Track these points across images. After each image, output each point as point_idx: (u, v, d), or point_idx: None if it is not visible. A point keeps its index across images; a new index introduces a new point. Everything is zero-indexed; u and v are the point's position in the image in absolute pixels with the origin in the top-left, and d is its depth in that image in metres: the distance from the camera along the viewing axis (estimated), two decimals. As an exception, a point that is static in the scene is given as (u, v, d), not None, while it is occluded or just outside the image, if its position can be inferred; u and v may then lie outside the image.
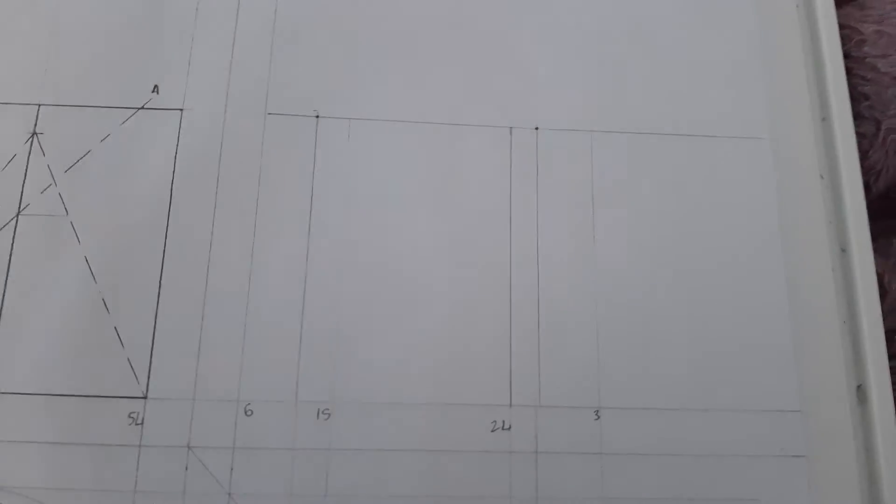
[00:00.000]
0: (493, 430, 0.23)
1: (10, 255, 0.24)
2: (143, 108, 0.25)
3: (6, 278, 0.24)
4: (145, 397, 0.23)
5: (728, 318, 0.25)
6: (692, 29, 0.27)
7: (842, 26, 0.26)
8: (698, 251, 0.25)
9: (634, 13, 0.27)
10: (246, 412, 0.23)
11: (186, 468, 0.22)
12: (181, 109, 0.26)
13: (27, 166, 0.25)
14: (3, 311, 0.23)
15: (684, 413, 0.24)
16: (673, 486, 0.23)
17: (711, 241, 0.25)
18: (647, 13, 0.27)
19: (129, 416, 0.23)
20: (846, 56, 0.26)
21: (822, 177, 0.26)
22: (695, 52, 0.27)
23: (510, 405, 0.23)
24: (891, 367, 0.25)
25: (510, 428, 0.23)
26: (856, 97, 0.26)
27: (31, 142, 0.25)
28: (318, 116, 0.26)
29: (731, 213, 0.26)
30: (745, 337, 0.24)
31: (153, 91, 0.26)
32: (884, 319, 0.25)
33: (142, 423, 0.23)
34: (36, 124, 0.25)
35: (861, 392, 0.24)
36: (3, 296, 0.23)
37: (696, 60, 0.27)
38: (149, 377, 0.23)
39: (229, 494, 0.22)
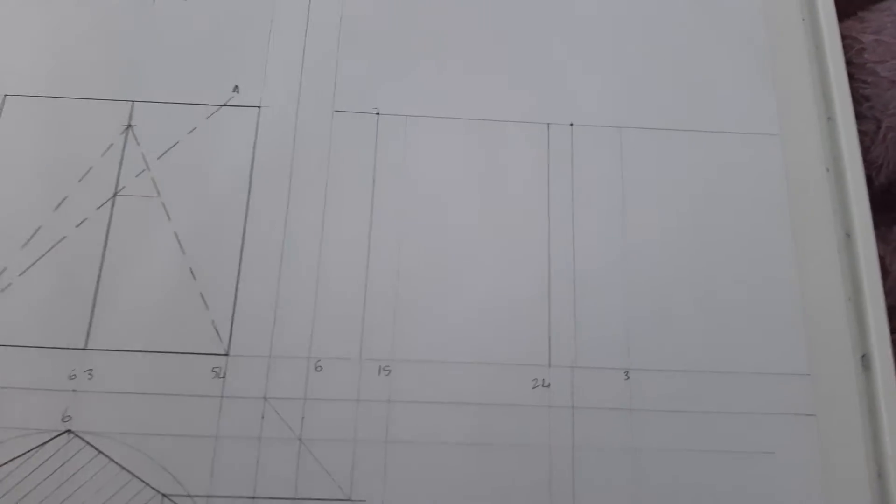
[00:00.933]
0: (533, 388, 0.26)
1: (108, 230, 0.27)
2: (225, 105, 0.29)
3: (104, 251, 0.27)
4: (227, 354, 0.26)
5: (744, 295, 0.27)
6: (711, 42, 0.31)
7: (844, 36, 0.29)
8: (716, 235, 0.28)
9: (656, 26, 0.31)
10: (316, 368, 0.26)
11: (262, 417, 0.25)
12: (258, 107, 0.29)
13: (123, 154, 0.28)
14: (102, 279, 0.27)
15: (706, 374, 0.26)
16: (695, 439, 0.26)
17: (728, 227, 0.28)
18: (668, 28, 0.31)
19: (213, 371, 0.26)
20: (848, 63, 0.29)
21: (827, 169, 0.29)
22: (713, 60, 0.30)
23: (549, 365, 0.26)
24: (892, 340, 0.27)
25: (549, 385, 0.26)
26: (857, 99, 0.29)
27: (127, 133, 0.28)
28: (378, 114, 0.29)
29: (746, 201, 0.29)
30: (760, 312, 0.27)
31: (234, 90, 0.29)
32: (885, 297, 0.27)
33: (224, 377, 0.26)
34: (131, 117, 0.29)
35: (865, 360, 0.27)
36: (102, 266, 0.27)
37: (715, 67, 0.30)
38: (230, 336, 0.26)
39: (300, 440, 0.25)
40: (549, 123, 0.29)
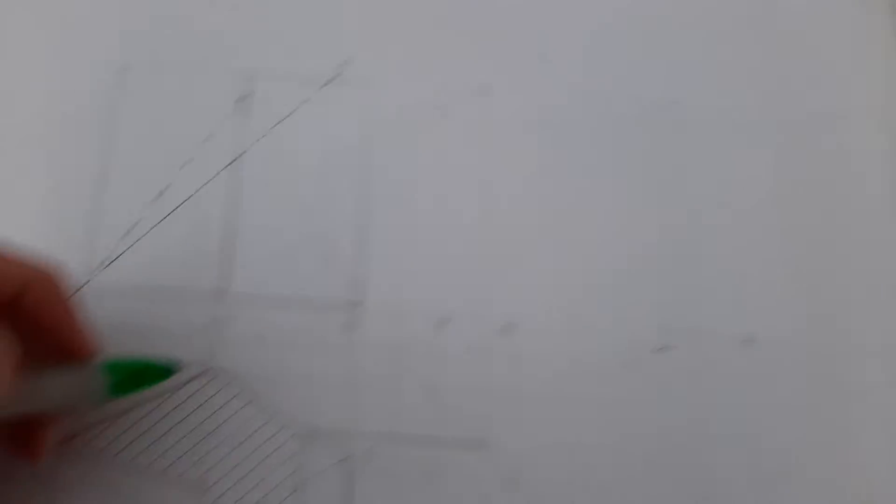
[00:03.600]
0: (652, 351, 0.28)
1: (232, 190, 0.28)
2: (336, 76, 0.31)
3: (236, 207, 0.28)
4: (359, 305, 0.27)
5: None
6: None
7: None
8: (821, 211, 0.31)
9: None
10: (445, 321, 0.27)
11: (396, 363, 0.27)
12: (368, 79, 0.31)
13: (243, 119, 0.30)
14: (235, 235, 0.28)
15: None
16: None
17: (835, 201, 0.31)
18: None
19: (345, 320, 0.27)
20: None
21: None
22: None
23: (662, 329, 0.28)
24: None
25: (671, 349, 0.28)
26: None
27: (249, 98, 0.30)
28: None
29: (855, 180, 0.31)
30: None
31: (344, 63, 0.31)
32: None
33: (355, 326, 0.27)
34: (250, 85, 0.30)
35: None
36: (235, 216, 0.28)
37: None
38: (362, 288, 0.27)
39: (432, 386, 0.26)
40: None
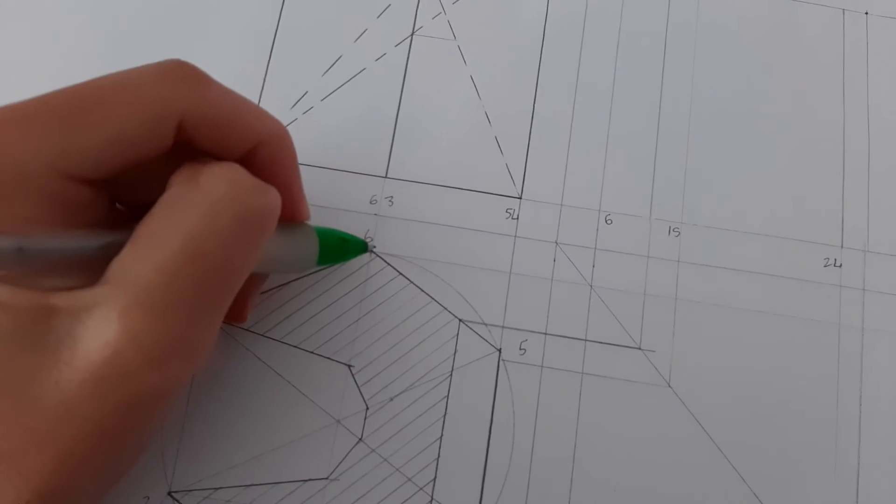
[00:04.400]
0: (825, 266, 0.26)
1: (406, 67, 0.28)
2: (520, -43, 0.29)
3: (403, 86, 0.27)
4: (520, 197, 0.26)
5: None
6: None
7: None
8: None
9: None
10: (606, 221, 0.26)
11: (554, 260, 0.26)
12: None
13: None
14: (401, 113, 0.27)
15: None
16: None
17: None
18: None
19: (507, 212, 0.26)
20: None
21: None
22: None
23: (841, 246, 0.26)
24: None
25: (841, 266, 0.26)
26: None
27: (423, -24, 0.29)
28: (670, -19, 0.29)
29: None
30: None
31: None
32: None
33: (517, 219, 0.26)
34: (427, -38, 0.29)
35: None
36: (400, 101, 0.27)
37: None
38: (524, 181, 0.26)
39: (591, 286, 0.26)
40: (844, 9, 0.29)
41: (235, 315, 0.22)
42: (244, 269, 0.18)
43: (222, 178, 0.17)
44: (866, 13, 0.29)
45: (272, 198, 0.18)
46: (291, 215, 0.21)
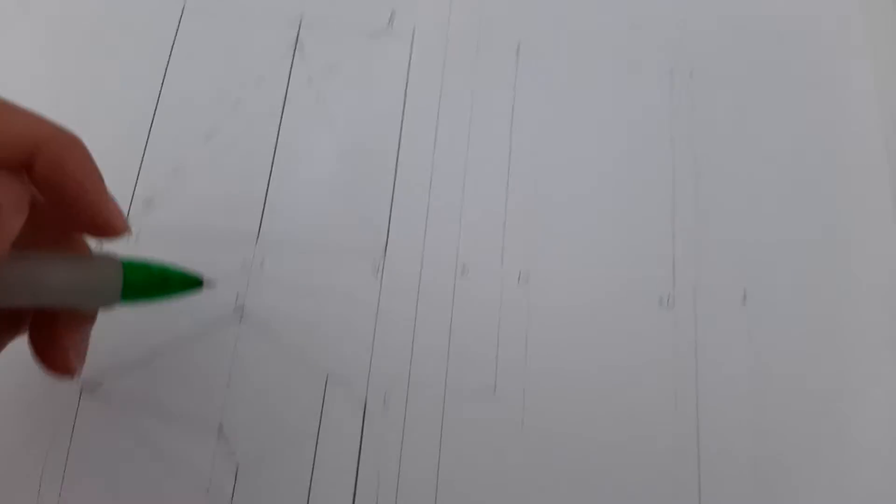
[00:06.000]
0: (660, 305, 0.29)
1: (278, 134, 0.30)
2: (382, 29, 0.31)
3: (274, 153, 0.29)
4: (384, 252, 0.29)
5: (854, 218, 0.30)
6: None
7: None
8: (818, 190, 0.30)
9: None
10: (463, 271, 0.29)
11: (416, 312, 0.28)
12: (412, 33, 0.31)
13: (292, 65, 0.31)
14: (272, 178, 0.29)
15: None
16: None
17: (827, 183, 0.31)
18: None
19: (372, 266, 0.28)
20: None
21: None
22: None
23: (674, 284, 0.29)
24: None
25: (674, 304, 0.29)
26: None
27: (295, 45, 0.31)
28: (518, 51, 0.31)
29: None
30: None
31: (390, 18, 0.31)
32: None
33: (381, 273, 0.28)
34: (299, 32, 0.31)
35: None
36: (272, 165, 0.29)
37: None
38: (388, 236, 0.29)
39: (450, 336, 0.28)
40: (671, 69, 0.32)
41: (59, 365, 0.20)
42: None
43: None
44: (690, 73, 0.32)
45: None
46: (102, 230, 0.20)
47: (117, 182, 0.27)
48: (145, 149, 0.29)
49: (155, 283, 0.21)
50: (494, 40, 0.32)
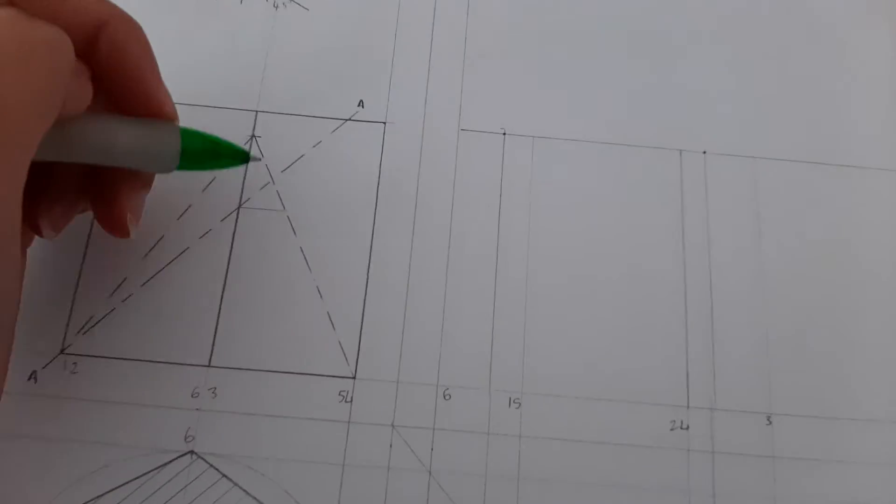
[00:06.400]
0: (672, 429, 0.25)
1: (232, 243, 0.26)
2: (350, 119, 0.28)
3: (228, 265, 0.26)
4: (354, 377, 0.25)
5: (887, 335, 0.26)
6: (844, 76, 0.30)
7: None
8: (855, 270, 0.27)
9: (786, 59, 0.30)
10: (445, 396, 0.25)
11: (391, 445, 0.24)
12: (384, 122, 0.28)
13: (247, 165, 0.27)
14: (226, 294, 0.26)
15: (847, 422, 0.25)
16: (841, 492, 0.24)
17: (867, 260, 0.27)
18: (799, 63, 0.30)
19: (340, 394, 0.25)
20: None
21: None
22: (847, 94, 0.29)
23: (688, 406, 0.25)
24: None
25: (688, 428, 0.25)
26: None
27: (251, 143, 0.28)
28: (504, 133, 0.28)
29: (877, 232, 0.27)
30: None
31: (359, 105, 0.28)
32: None
33: (351, 401, 0.25)
34: (254, 128, 0.28)
35: None
36: (226, 280, 0.26)
37: (849, 101, 0.29)
38: (357, 359, 0.25)
39: (430, 472, 0.24)
40: (681, 150, 0.29)
41: (116, 225, 0.22)
42: (28, 108, 0.17)
43: None
44: (704, 152, 0.29)
45: (49, 30, 0.17)
46: (155, 112, 0.21)
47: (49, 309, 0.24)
48: (81, 269, 0.26)
49: (208, 151, 0.23)
50: (478, 126, 0.29)
